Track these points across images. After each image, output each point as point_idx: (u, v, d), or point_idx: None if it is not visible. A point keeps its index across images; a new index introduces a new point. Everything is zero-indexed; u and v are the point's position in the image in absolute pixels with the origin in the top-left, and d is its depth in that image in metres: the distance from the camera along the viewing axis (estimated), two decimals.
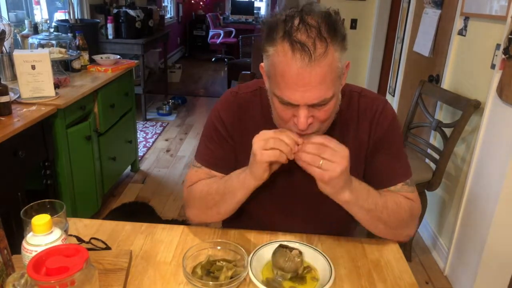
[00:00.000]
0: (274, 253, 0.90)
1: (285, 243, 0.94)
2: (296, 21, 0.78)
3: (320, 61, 0.77)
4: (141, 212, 2.61)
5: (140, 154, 3.52)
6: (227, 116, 1.03)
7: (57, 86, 2.07)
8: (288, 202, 1.07)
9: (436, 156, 2.11)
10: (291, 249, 0.90)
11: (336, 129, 0.98)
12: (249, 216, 1.09)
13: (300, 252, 0.90)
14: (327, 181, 0.84)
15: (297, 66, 0.77)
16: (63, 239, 0.77)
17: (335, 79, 0.81)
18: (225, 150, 1.04)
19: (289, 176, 1.02)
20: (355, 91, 1.02)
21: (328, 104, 0.83)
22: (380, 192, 0.96)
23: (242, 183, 0.94)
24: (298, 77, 0.78)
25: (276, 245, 0.93)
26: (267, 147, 0.85)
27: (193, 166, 1.07)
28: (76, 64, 2.51)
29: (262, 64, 0.89)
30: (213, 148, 1.04)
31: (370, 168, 1.02)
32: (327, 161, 0.82)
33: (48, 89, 1.94)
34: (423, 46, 2.65)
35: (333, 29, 0.78)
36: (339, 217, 1.00)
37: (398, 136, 1.02)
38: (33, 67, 1.88)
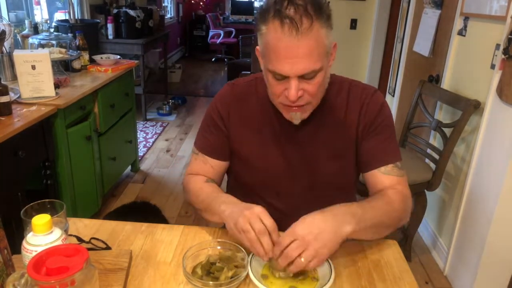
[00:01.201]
0: (269, 262, 0.90)
1: None
2: (285, 2, 0.86)
3: (307, 34, 0.85)
4: (147, 212, 2.60)
5: (140, 154, 3.52)
6: (222, 107, 1.11)
7: (57, 86, 2.07)
8: (288, 201, 1.10)
9: (436, 156, 2.11)
10: None
11: (326, 114, 1.05)
12: None
13: None
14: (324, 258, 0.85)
15: (286, 39, 0.85)
16: (63, 239, 0.77)
17: (322, 54, 0.89)
18: (220, 139, 1.12)
19: (282, 170, 1.08)
20: (346, 81, 1.09)
21: (316, 77, 0.91)
22: (373, 206, 0.96)
23: (219, 214, 0.97)
24: (287, 49, 0.86)
25: None
26: (242, 238, 0.88)
27: (193, 152, 1.17)
28: (76, 64, 2.51)
29: (257, 47, 0.96)
30: (209, 137, 1.13)
31: (361, 150, 1.07)
32: (307, 256, 0.82)
33: (48, 89, 1.94)
34: (423, 46, 2.65)
35: (318, 8, 0.86)
36: None
37: (388, 121, 1.07)
38: (33, 67, 1.88)
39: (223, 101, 1.12)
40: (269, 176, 1.10)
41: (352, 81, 1.09)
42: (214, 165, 1.14)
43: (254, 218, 0.86)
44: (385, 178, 1.04)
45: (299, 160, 1.08)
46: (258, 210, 0.88)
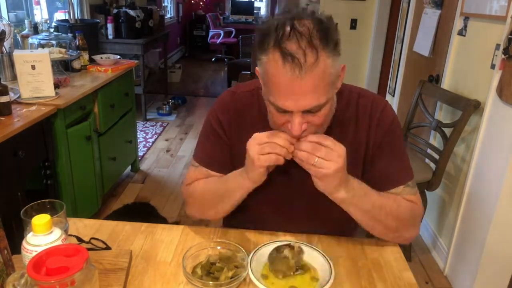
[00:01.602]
0: (270, 260, 0.90)
1: (283, 243, 0.94)
2: (287, 29, 0.78)
3: (311, 70, 0.77)
4: (143, 212, 2.61)
5: (140, 154, 3.52)
6: (224, 116, 1.04)
7: (57, 86, 2.07)
8: (287, 199, 1.08)
9: (436, 156, 2.11)
10: (282, 248, 0.90)
11: (334, 129, 0.98)
12: (248, 214, 1.09)
13: (291, 247, 0.90)
14: (321, 178, 0.86)
15: (288, 76, 0.78)
16: (63, 239, 0.77)
17: (328, 85, 0.82)
18: (221, 150, 1.05)
19: (287, 173, 1.03)
20: (355, 91, 1.02)
21: (322, 109, 0.84)
22: (380, 194, 0.96)
23: (239, 185, 0.95)
24: (290, 86, 0.79)
25: (276, 245, 0.93)
26: (264, 152, 0.86)
27: (192, 165, 1.09)
28: (76, 64, 2.51)
29: (257, 68, 0.89)
30: (210, 148, 1.06)
31: (371, 170, 1.02)
32: (322, 159, 0.83)
33: (48, 89, 1.94)
34: (423, 46, 2.65)
35: (324, 36, 0.78)
36: (338, 216, 1.00)
37: (399, 137, 1.02)
38: (33, 67, 1.88)
39: (224, 110, 1.04)
40: (271, 191, 1.03)
41: (360, 91, 1.03)
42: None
43: (260, 145, 0.87)
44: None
45: (302, 176, 0.96)
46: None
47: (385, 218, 0.95)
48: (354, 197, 0.91)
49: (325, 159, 0.83)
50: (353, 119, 1.00)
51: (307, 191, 1.05)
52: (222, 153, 1.05)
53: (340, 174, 0.85)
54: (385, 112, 1.00)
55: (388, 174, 1.00)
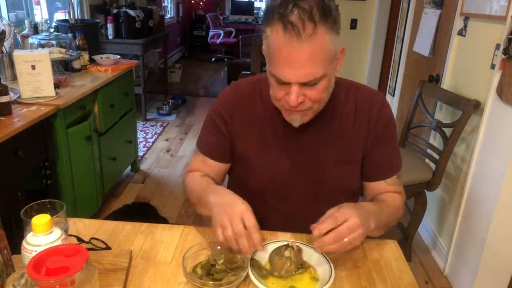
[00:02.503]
0: (270, 260, 0.90)
1: (283, 244, 0.94)
2: (290, 5, 0.83)
3: (309, 40, 0.82)
4: (143, 212, 2.61)
5: (140, 154, 3.52)
6: (225, 109, 1.09)
7: (57, 86, 2.07)
8: (292, 204, 1.10)
9: (436, 156, 2.11)
10: (283, 249, 0.90)
11: (334, 121, 1.04)
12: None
13: (292, 247, 0.90)
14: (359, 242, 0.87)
15: (288, 44, 0.83)
16: (63, 239, 0.77)
17: (326, 60, 0.86)
18: (220, 141, 1.10)
19: (287, 173, 1.07)
20: (353, 85, 1.08)
21: (319, 83, 0.88)
22: (382, 208, 1.01)
23: (207, 207, 0.97)
24: (289, 55, 0.84)
25: (275, 245, 0.93)
26: (225, 233, 0.87)
27: (194, 151, 1.16)
28: (76, 64, 2.51)
29: (264, 45, 0.93)
30: (209, 138, 1.12)
31: (369, 160, 1.08)
32: (349, 238, 0.84)
33: (48, 89, 1.94)
34: (423, 46, 2.65)
35: (324, 13, 0.82)
36: None
37: (394, 130, 1.09)
38: (33, 67, 1.88)
39: (226, 104, 1.09)
40: (273, 180, 1.08)
41: (357, 85, 1.08)
42: (213, 166, 1.13)
43: (236, 217, 0.86)
44: (389, 188, 1.09)
45: (305, 164, 1.07)
46: (241, 209, 0.88)
47: (392, 221, 1.06)
48: (377, 224, 0.95)
49: (351, 235, 0.84)
50: (352, 113, 1.05)
51: (306, 190, 1.06)
52: (221, 144, 1.11)
53: (366, 227, 0.88)
54: (383, 107, 1.05)
55: (385, 165, 1.09)
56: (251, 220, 0.87)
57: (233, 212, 0.87)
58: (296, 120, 0.97)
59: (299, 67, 0.85)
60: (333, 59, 0.89)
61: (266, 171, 1.08)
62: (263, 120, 1.06)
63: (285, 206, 1.11)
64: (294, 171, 1.07)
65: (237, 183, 1.18)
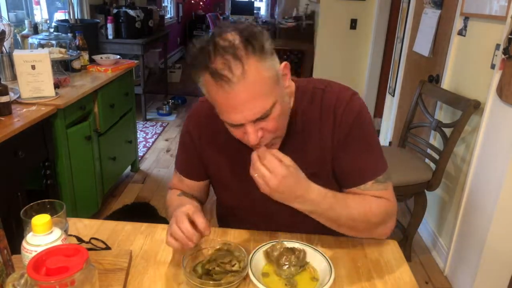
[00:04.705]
0: (277, 262, 0.90)
1: (286, 244, 0.94)
2: (211, 48, 0.78)
3: (243, 80, 0.78)
4: (143, 212, 2.61)
5: (140, 154, 3.52)
6: (194, 128, 1.06)
7: (57, 86, 2.07)
8: (274, 220, 1.06)
9: (436, 156, 2.11)
10: (286, 253, 0.90)
11: (298, 130, 0.97)
12: (239, 216, 1.11)
13: (290, 250, 0.90)
14: (267, 193, 0.84)
15: (223, 91, 0.79)
16: (63, 239, 0.77)
17: (268, 88, 0.81)
18: (192, 160, 1.09)
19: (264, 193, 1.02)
20: (319, 87, 0.98)
21: (272, 114, 0.84)
22: (348, 201, 0.93)
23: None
24: (229, 101, 0.80)
25: (275, 245, 0.93)
26: (173, 235, 0.87)
27: (175, 168, 1.15)
28: (76, 64, 2.51)
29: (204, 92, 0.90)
30: (183, 157, 1.12)
31: (338, 167, 0.98)
32: (261, 177, 0.82)
33: (48, 89, 1.94)
34: (423, 46, 2.65)
35: (248, 43, 0.78)
36: None
37: (366, 129, 0.97)
38: (33, 67, 1.88)
39: (195, 122, 1.06)
40: (251, 198, 0.99)
41: (327, 85, 0.98)
42: (190, 185, 1.12)
43: (179, 217, 0.87)
44: (365, 193, 0.97)
45: None
46: (184, 208, 0.89)
47: (353, 223, 0.94)
48: (312, 213, 0.90)
49: (263, 178, 0.82)
50: (317, 118, 0.96)
51: (288, 206, 1.03)
52: (192, 163, 1.09)
53: (283, 192, 0.83)
54: (349, 105, 0.95)
55: (355, 170, 0.97)
56: (193, 211, 0.88)
57: (177, 215, 0.88)
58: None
59: (244, 109, 0.80)
60: (277, 81, 0.84)
61: (242, 191, 1.02)
62: (231, 139, 0.93)
63: (269, 223, 1.06)
64: None
65: (219, 202, 1.18)
